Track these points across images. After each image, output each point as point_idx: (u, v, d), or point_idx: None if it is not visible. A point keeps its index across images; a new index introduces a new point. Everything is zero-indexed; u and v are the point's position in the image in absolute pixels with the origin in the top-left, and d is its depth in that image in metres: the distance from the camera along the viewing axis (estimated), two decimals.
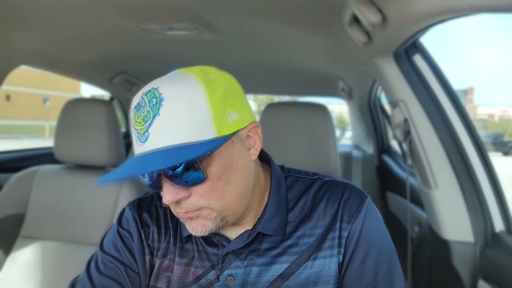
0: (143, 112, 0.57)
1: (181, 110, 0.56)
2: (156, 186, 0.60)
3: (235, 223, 0.68)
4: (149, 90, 0.58)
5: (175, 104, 0.56)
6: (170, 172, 0.57)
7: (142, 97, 0.58)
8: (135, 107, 0.59)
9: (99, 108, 1.42)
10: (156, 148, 0.55)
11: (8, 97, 19.38)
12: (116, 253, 0.72)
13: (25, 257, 1.36)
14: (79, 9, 1.32)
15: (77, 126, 1.42)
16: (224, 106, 0.59)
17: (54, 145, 1.44)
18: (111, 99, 2.78)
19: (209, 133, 0.56)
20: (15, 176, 1.47)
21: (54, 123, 1.53)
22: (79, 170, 1.46)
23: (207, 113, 0.57)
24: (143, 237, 0.72)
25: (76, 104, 1.45)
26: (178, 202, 0.60)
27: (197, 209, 0.60)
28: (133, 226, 0.73)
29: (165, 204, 0.60)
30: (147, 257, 0.71)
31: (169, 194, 0.58)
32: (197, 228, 0.62)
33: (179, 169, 0.57)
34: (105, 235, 0.77)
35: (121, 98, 2.79)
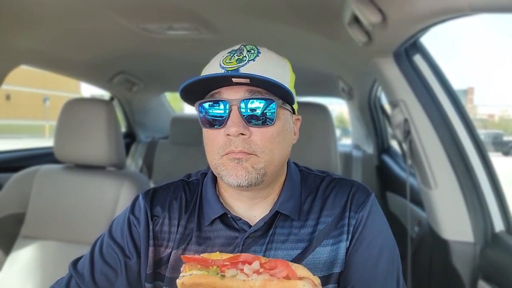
0: (239, 56, 0.68)
1: (272, 66, 0.69)
2: (219, 119, 0.67)
3: (258, 197, 0.74)
4: (248, 44, 0.71)
5: (269, 60, 0.69)
6: (251, 102, 0.65)
7: (240, 46, 0.71)
8: (230, 52, 0.70)
9: (99, 108, 1.42)
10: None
11: (8, 97, 19.37)
12: (120, 240, 0.76)
13: (25, 257, 1.36)
14: (79, 9, 1.32)
15: (77, 126, 1.42)
16: (293, 86, 0.72)
17: (54, 145, 1.44)
18: (111, 99, 2.78)
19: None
20: (15, 176, 1.47)
21: (54, 123, 1.53)
22: (79, 170, 1.46)
23: (288, 80, 0.71)
24: (150, 227, 0.75)
25: (76, 104, 1.45)
26: (237, 138, 0.66)
27: (251, 152, 0.66)
28: (143, 215, 0.76)
29: (233, 133, 0.65)
30: (151, 248, 0.74)
31: (236, 125, 0.65)
32: (241, 172, 0.66)
33: (262, 102, 0.65)
34: (115, 218, 0.81)
35: (121, 98, 2.79)
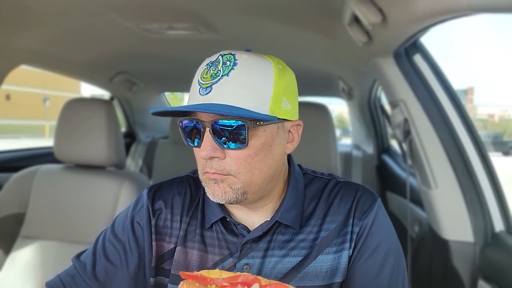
0: (214, 70, 0.64)
1: (249, 79, 0.63)
2: (195, 139, 0.66)
3: (253, 208, 0.72)
4: (227, 54, 0.65)
5: (245, 72, 0.63)
6: (221, 125, 0.62)
7: (217, 57, 0.66)
8: (207, 64, 0.66)
9: (99, 108, 1.42)
10: (215, 102, 0.62)
11: (8, 97, 19.37)
12: (122, 236, 0.76)
13: (25, 257, 1.36)
14: (79, 9, 1.32)
15: (77, 126, 1.42)
16: (283, 94, 0.66)
17: (54, 144, 1.44)
18: (111, 99, 2.78)
19: (263, 108, 0.63)
20: (15, 176, 1.47)
21: (54, 123, 1.53)
22: (79, 170, 1.46)
23: (269, 91, 0.64)
24: (153, 222, 0.75)
25: (76, 104, 1.45)
26: (211, 160, 0.64)
27: (226, 173, 0.64)
28: (145, 210, 0.76)
29: (203, 157, 0.64)
30: (154, 243, 0.74)
31: (207, 148, 0.63)
32: (218, 193, 0.65)
33: (232, 124, 0.62)
34: (119, 214, 0.81)
35: (121, 98, 2.79)
